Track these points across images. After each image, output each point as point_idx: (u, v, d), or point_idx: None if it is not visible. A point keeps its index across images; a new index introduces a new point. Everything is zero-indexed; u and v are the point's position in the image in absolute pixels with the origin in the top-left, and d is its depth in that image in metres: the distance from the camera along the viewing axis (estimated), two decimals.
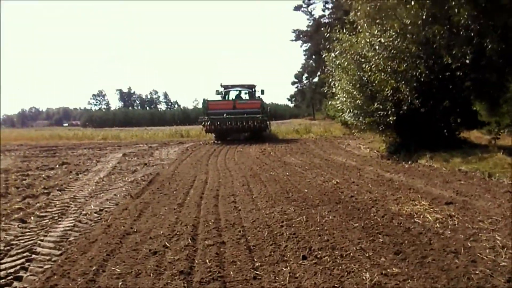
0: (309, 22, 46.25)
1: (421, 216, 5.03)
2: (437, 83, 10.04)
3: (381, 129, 11.21)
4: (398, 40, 9.98)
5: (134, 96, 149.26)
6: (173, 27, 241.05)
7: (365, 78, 11.33)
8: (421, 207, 5.52)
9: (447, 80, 9.91)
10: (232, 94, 23.80)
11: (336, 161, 11.43)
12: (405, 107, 10.26)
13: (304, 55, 60.06)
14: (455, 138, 11.50)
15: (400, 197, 6.24)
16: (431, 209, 5.38)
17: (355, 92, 11.47)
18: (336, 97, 12.90)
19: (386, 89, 10.25)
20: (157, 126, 72.64)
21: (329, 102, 36.18)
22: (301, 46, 53.74)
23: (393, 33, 10.03)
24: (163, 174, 9.84)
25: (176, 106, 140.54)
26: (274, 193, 6.86)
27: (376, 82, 10.68)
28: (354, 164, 10.76)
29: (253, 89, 24.21)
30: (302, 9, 44.40)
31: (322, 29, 47.79)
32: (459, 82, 9.67)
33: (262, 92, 23.90)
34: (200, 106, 26.72)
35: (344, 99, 12.20)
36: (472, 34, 8.95)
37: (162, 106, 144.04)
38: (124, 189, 8.13)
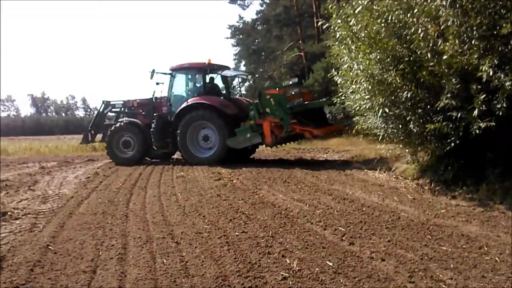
0: (243, 19, 41.35)
1: None
2: None
3: (453, 143, 6.17)
4: None
5: (48, 101, 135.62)
6: (91, 25, 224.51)
7: (411, 54, 6.40)
8: None
9: None
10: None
11: (363, 202, 6.33)
12: (504, 105, 5.42)
13: (234, 59, 55.07)
14: None
15: None
16: None
17: (397, 80, 6.46)
18: (350, 90, 7.83)
19: (481, 70, 5.32)
20: (73, 134, 64.27)
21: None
22: (234, 46, 48.62)
23: None
24: (13, 265, 4.04)
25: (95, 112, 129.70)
26: None
27: (447, 57, 5.76)
28: (407, 210, 5.74)
29: None
30: (239, 2, 39.37)
31: (259, 28, 42.91)
32: None
33: None
34: None
35: (366, 92, 7.15)
36: None
37: (80, 113, 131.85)
38: None
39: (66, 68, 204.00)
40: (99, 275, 3.70)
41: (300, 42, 33.59)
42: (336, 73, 8.30)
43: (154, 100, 13.91)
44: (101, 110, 15.20)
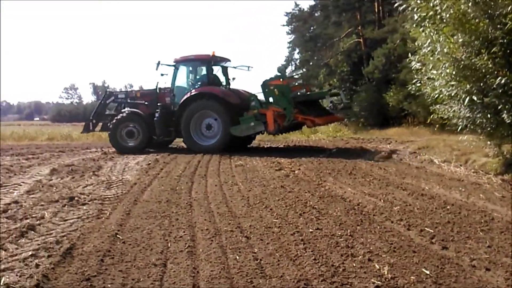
0: (299, 6, 40.29)
1: None
2: None
3: None
4: None
5: (108, 89, 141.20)
6: (149, 16, 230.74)
7: (504, 36, 5.69)
8: None
9: None
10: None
11: (445, 199, 5.75)
12: None
13: (288, 47, 54.28)
14: None
15: None
16: None
17: (488, 65, 5.79)
18: (427, 76, 7.20)
19: None
20: None
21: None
22: (288, 33, 47.83)
23: None
24: (84, 254, 3.93)
25: None
26: None
27: None
28: (499, 210, 5.11)
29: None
30: None
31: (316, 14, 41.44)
32: None
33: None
34: None
35: (450, 78, 6.50)
36: None
37: None
38: None
39: (125, 57, 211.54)
40: (170, 270, 3.50)
41: (359, 28, 32.29)
42: (413, 58, 7.68)
43: (158, 90, 14.13)
44: (103, 100, 15.31)
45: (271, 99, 12.30)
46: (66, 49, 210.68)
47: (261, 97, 12.79)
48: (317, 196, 6.14)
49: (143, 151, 13.44)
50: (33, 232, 4.74)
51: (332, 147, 14.13)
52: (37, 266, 3.61)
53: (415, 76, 8.03)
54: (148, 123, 13.56)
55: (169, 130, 13.53)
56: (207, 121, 13.12)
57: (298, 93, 12.78)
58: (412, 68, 8.04)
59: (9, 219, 5.32)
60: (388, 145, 14.42)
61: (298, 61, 53.53)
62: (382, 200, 5.83)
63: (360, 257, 3.59)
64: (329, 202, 5.75)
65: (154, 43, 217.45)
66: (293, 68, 63.77)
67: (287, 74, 61.36)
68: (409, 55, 7.86)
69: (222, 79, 14.32)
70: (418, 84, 8.00)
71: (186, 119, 12.96)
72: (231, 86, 14.36)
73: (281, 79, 12.71)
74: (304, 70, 49.25)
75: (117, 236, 4.43)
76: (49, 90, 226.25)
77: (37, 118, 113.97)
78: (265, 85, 12.36)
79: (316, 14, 40.37)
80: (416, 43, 7.67)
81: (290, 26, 45.06)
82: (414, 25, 7.36)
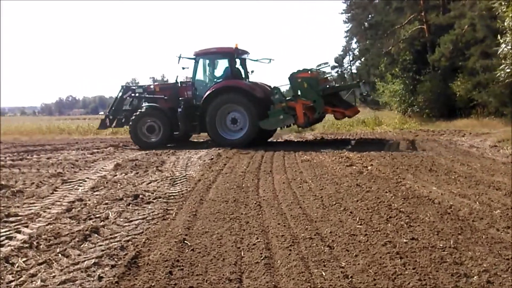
0: None
1: None
2: None
3: None
4: None
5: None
6: (207, 12, 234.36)
7: None
8: None
9: None
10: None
11: None
12: None
13: (345, 36, 52.57)
14: None
15: None
16: None
17: None
18: None
19: None
20: None
21: (385, 86, 29.35)
22: (346, 22, 46.27)
23: None
24: (150, 263, 3.58)
25: None
26: None
27: None
28: None
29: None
30: None
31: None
32: None
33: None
34: None
35: None
36: None
37: None
38: None
39: (183, 51, 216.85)
40: (247, 287, 3.06)
41: (422, 14, 30.40)
42: (503, 40, 6.75)
43: (180, 84, 13.75)
44: (119, 95, 14.77)
45: (299, 92, 12.13)
46: (126, 44, 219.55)
47: (284, 89, 12.96)
48: (401, 197, 5.48)
49: (207, 145, 13.20)
50: (96, 235, 4.52)
51: (395, 139, 13.21)
52: (100, 278, 3.31)
53: (503, 61, 7.08)
54: (169, 117, 13.25)
55: (193, 125, 13.22)
56: (232, 115, 12.78)
57: (327, 86, 12.76)
58: (499, 52, 7.10)
59: (73, 220, 5.16)
60: (462, 137, 13.30)
61: (356, 50, 51.72)
62: (477, 202, 5.08)
63: (475, 277, 2.96)
64: (416, 204, 5.08)
65: (209, 37, 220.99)
66: (351, 58, 61.93)
67: (345, 64, 59.51)
68: (499, 36, 6.91)
69: (241, 72, 13.89)
70: (508, 70, 7.04)
71: (211, 113, 12.63)
72: (249, 79, 13.96)
73: (308, 72, 12.36)
74: (363, 59, 47.39)
75: (185, 241, 4.08)
76: (112, 84, 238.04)
77: (102, 112, 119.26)
78: (293, 78, 12.18)
79: (376, 1, 38.63)
80: (505, 23, 6.73)
81: (347, 15, 43.59)
82: (504, 2, 6.43)
